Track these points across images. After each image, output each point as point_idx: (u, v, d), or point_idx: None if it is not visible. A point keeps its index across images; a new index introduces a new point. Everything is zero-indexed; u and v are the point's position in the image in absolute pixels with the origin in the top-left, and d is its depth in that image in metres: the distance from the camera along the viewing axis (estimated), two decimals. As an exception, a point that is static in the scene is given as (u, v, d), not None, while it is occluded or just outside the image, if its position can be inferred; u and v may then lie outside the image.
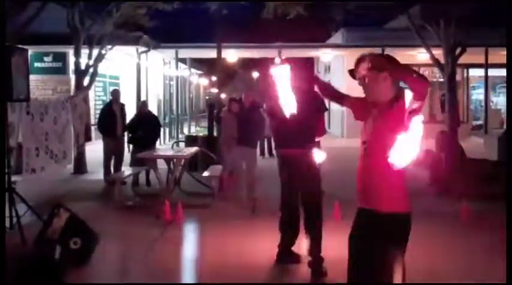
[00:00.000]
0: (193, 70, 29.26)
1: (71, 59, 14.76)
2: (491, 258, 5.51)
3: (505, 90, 23.87)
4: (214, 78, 33.46)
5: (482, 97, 22.20)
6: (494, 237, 5.97)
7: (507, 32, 5.31)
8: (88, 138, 9.68)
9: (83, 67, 12.68)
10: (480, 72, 21.16)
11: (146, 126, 10.46)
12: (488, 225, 6.95)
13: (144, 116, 10.67)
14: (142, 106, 11.20)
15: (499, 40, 19.04)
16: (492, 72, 20.94)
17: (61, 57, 18.05)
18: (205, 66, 34.26)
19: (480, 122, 21.92)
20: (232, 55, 22.16)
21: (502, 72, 23.15)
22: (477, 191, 8.55)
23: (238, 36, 21.58)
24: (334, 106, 24.34)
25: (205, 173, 9.48)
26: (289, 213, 5.39)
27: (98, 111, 12.57)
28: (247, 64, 36.18)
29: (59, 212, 5.46)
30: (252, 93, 11.47)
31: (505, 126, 20.57)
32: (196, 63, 30.32)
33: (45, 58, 18.04)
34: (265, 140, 14.52)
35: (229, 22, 17.04)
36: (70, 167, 11.33)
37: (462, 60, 14.44)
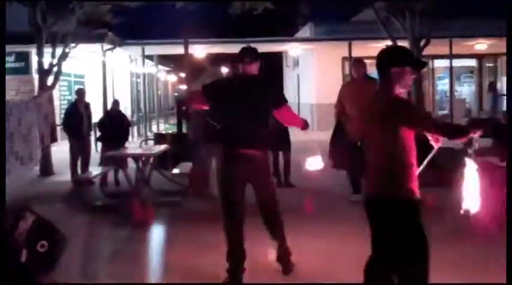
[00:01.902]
0: (160, 67, 29.00)
1: (34, 59, 14.48)
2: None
3: (469, 79, 24.34)
4: (182, 75, 33.24)
5: (447, 87, 22.55)
6: (458, 222, 6.01)
7: (507, 27, 5.34)
8: (54, 139, 9.50)
9: (46, 66, 12.43)
10: (445, 62, 21.49)
11: (115, 125, 10.39)
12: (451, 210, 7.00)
13: (114, 115, 10.62)
14: (114, 105, 11.10)
15: (462, 31, 19.43)
16: (456, 63, 21.28)
17: (23, 57, 17.67)
18: (173, 62, 34.01)
19: (446, 112, 22.26)
20: (200, 51, 22.04)
21: (466, 62, 23.64)
22: (443, 179, 8.63)
23: (206, 32, 21.46)
24: (303, 99, 24.45)
25: (175, 171, 9.40)
26: (238, 235, 4.77)
27: (63, 111, 12.38)
28: (216, 59, 36.04)
29: (24, 215, 5.33)
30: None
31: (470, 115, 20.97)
32: (164, 59, 30.06)
33: (7, 59, 17.62)
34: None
35: (196, 18, 16.95)
36: (36, 169, 11.14)
37: (427, 51, 14.62)
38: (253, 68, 4.80)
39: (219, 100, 4.75)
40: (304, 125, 5.04)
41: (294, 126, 5.20)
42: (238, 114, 4.66)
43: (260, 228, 5.05)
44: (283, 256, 4.99)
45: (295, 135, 9.65)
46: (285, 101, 4.85)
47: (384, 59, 3.39)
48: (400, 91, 3.35)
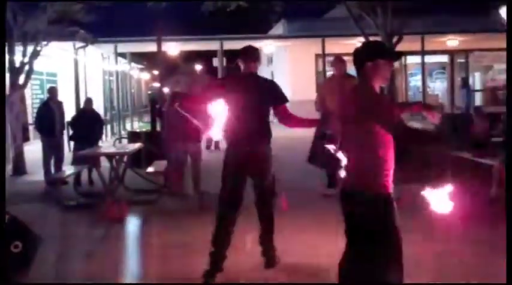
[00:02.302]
0: (133, 64, 28.77)
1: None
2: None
3: (441, 75, 24.68)
4: (156, 72, 33.02)
5: (420, 83, 22.81)
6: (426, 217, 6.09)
7: (507, 24, 5.40)
8: (26, 138, 9.38)
9: (17, 65, 12.25)
10: (417, 59, 21.73)
11: (88, 123, 10.30)
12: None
13: (88, 113, 10.53)
14: (87, 103, 10.99)
15: (434, 28, 19.68)
16: (428, 59, 21.53)
17: (-6, 55, 17.33)
18: (146, 60, 33.77)
19: (419, 107, 22.52)
20: (173, 48, 21.92)
21: (438, 59, 23.95)
22: (415, 175, 8.75)
23: (179, 29, 21.34)
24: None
25: (150, 169, 9.34)
26: (229, 223, 4.86)
27: (36, 110, 12.21)
28: (190, 57, 35.90)
29: (-3, 216, 5.25)
30: (196, 86, 11.34)
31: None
32: (137, 57, 29.83)
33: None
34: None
35: (169, 15, 16.84)
36: (9, 168, 10.98)
37: (400, 47, 14.77)
38: (255, 67, 4.99)
39: (226, 98, 4.86)
40: (315, 123, 4.59)
41: (297, 127, 5.16)
42: (244, 112, 4.78)
43: (244, 224, 5.07)
44: (269, 251, 5.06)
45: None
46: (286, 100, 5.03)
47: (358, 55, 3.42)
48: (378, 85, 3.36)
